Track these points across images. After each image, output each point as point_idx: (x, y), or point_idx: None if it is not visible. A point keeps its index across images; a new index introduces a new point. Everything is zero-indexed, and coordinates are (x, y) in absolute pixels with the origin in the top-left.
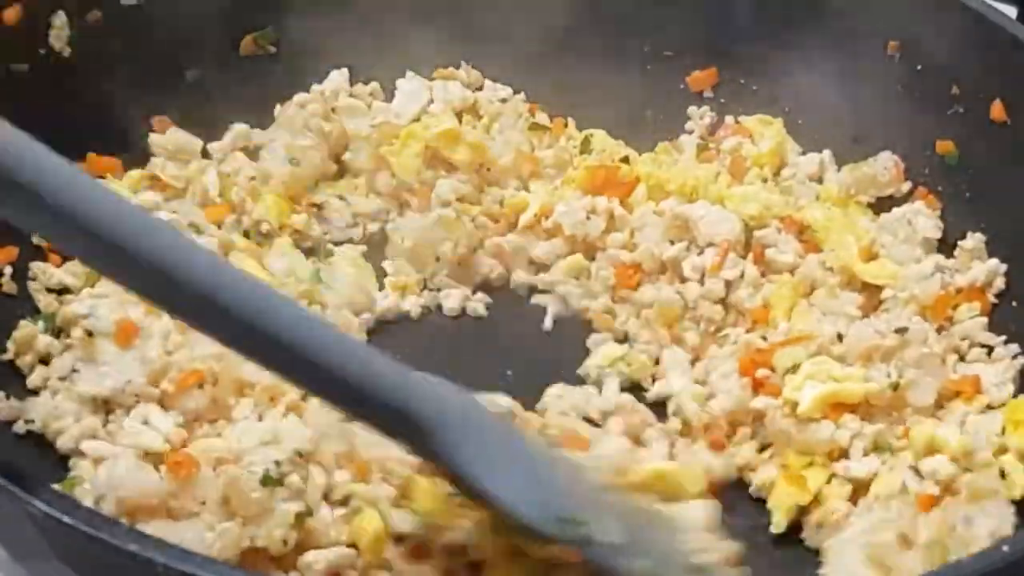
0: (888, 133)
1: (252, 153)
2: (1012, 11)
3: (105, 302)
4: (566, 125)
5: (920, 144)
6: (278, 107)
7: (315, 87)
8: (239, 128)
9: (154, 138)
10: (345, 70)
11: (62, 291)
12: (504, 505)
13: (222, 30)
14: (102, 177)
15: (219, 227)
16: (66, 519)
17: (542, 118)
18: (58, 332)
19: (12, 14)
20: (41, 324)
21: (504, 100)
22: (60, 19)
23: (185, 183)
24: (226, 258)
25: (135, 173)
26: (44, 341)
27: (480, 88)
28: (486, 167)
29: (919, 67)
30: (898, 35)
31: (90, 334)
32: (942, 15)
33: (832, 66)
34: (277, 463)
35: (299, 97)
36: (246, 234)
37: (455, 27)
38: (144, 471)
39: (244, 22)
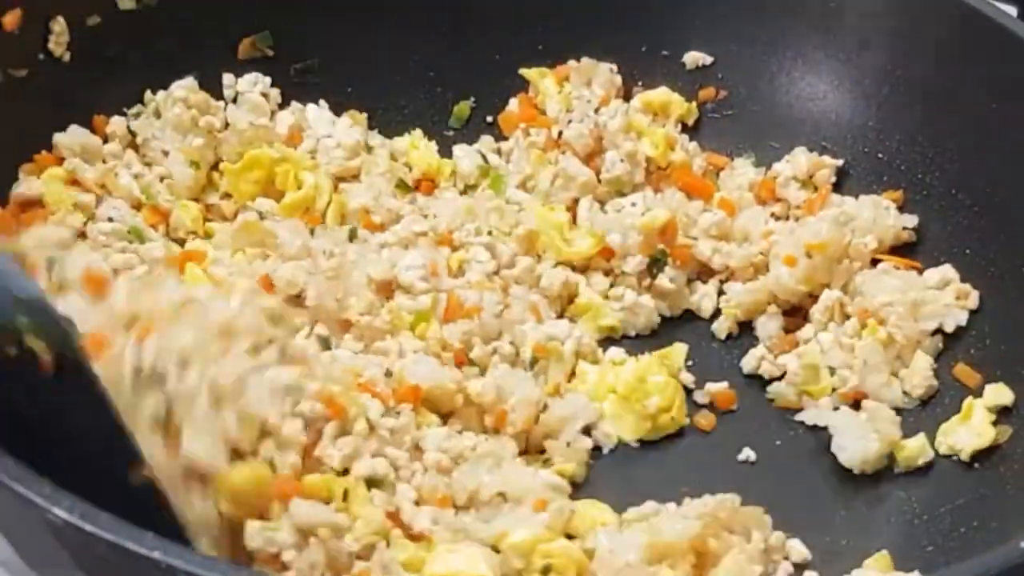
0: (882, 132)
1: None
2: (1012, 10)
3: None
4: None
5: (915, 142)
6: (149, 93)
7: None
8: (117, 122)
9: (58, 137)
10: (268, 79)
11: None
12: None
13: (220, 34)
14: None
15: (156, 230)
16: (88, 527)
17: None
18: None
19: (11, 19)
20: None
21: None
22: (59, 24)
23: (101, 185)
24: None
25: (57, 171)
26: None
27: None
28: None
29: (918, 66)
30: (897, 33)
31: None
32: (942, 13)
33: (828, 64)
34: None
35: (179, 90)
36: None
37: None
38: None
39: (242, 25)
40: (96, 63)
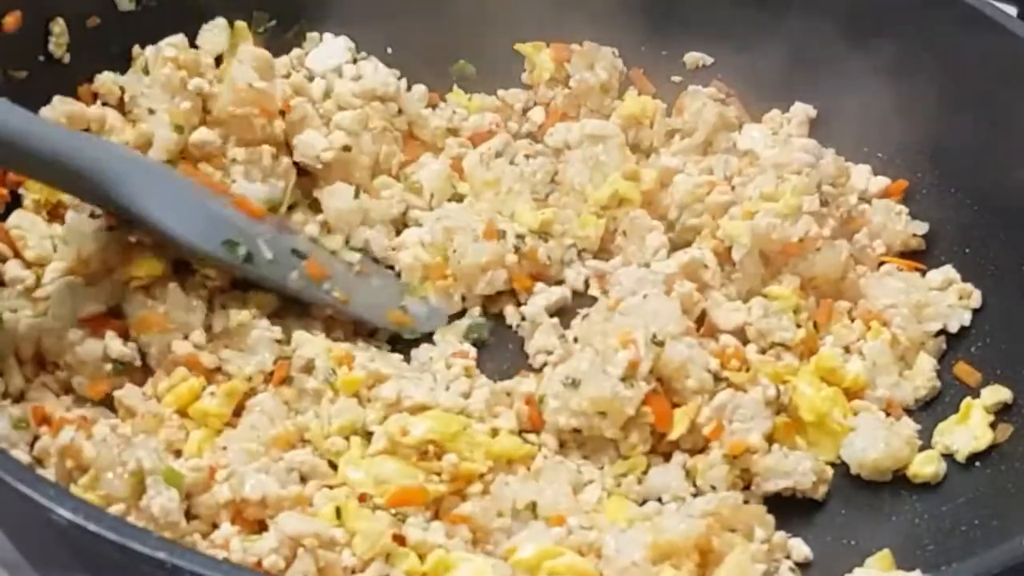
0: (882, 131)
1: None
2: (1012, 10)
3: None
4: None
5: (915, 142)
6: (137, 48)
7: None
8: (105, 77)
9: (44, 111)
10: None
11: None
12: (171, 233)
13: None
14: None
15: None
16: (92, 527)
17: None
18: None
19: (12, 21)
20: None
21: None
22: (59, 26)
23: None
24: None
25: None
26: None
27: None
28: None
29: (918, 66)
30: (897, 33)
31: None
32: (941, 13)
33: (827, 65)
34: None
35: (168, 49)
36: None
37: None
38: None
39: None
40: (96, 64)
